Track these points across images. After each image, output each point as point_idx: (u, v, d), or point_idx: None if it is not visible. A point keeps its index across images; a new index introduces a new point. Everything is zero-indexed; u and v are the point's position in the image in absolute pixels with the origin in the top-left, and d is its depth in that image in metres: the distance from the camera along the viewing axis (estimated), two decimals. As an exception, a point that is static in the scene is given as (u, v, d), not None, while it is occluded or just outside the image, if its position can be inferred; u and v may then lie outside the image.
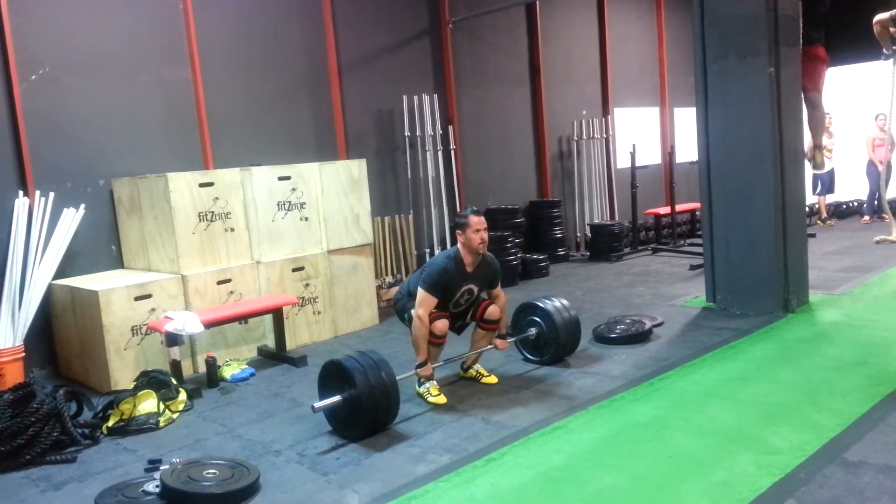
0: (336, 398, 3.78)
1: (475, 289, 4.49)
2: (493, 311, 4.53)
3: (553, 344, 4.79)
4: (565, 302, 4.91)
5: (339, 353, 4.14)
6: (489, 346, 4.62)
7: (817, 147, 6.25)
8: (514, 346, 5.54)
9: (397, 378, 3.90)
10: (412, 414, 4.13)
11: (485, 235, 4.34)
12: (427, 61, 8.20)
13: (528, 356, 4.96)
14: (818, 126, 6.19)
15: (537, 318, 4.86)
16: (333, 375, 3.89)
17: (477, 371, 4.68)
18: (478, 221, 4.32)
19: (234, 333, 5.53)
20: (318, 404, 3.79)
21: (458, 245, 4.41)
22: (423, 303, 4.27)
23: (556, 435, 3.64)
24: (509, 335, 4.81)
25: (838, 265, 7.28)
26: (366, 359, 3.83)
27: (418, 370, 4.27)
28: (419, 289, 4.30)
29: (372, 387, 3.71)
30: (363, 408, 3.71)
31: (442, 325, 4.31)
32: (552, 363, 4.81)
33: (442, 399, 4.29)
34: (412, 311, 4.32)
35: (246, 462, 3.47)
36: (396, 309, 4.71)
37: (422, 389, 4.38)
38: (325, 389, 3.93)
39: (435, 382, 4.39)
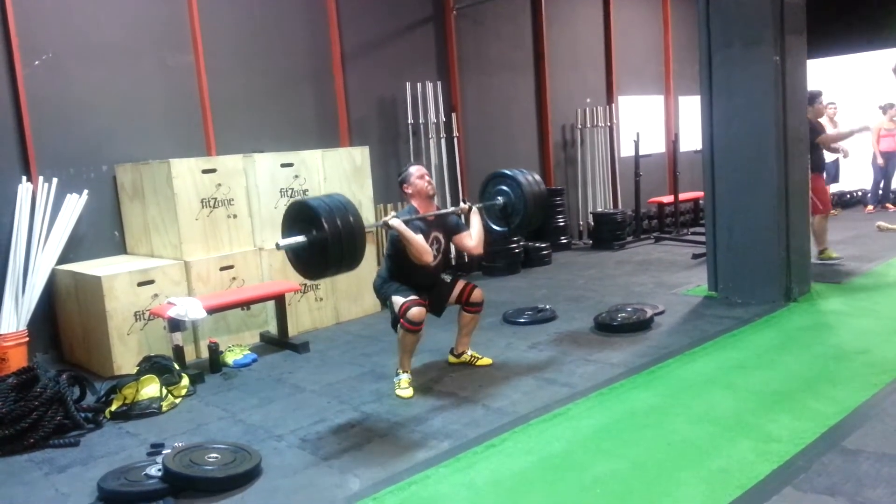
0: (301, 238, 3.60)
1: (441, 237, 4.38)
2: (476, 294, 4.50)
3: (520, 213, 4.68)
4: (536, 176, 4.77)
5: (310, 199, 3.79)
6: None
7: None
8: (502, 321, 5.61)
9: (365, 226, 3.72)
10: (411, 400, 4.15)
11: (430, 179, 4.40)
12: (431, 48, 8.17)
13: (495, 226, 4.84)
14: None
15: (505, 187, 4.75)
16: (299, 217, 3.67)
17: (471, 356, 4.69)
18: (418, 168, 4.41)
19: (236, 319, 5.55)
20: (282, 242, 3.62)
21: (409, 200, 4.38)
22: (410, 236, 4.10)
23: (556, 421, 3.66)
24: (478, 205, 4.63)
25: (841, 254, 7.26)
26: (333, 200, 3.61)
27: None
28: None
29: (338, 228, 3.48)
30: (329, 250, 3.50)
31: (418, 312, 4.10)
32: (518, 232, 4.77)
33: (409, 393, 4.20)
34: (393, 297, 4.21)
35: (248, 446, 3.49)
36: (379, 298, 4.51)
37: (395, 380, 4.30)
38: (291, 232, 3.71)
39: (408, 375, 4.29)
